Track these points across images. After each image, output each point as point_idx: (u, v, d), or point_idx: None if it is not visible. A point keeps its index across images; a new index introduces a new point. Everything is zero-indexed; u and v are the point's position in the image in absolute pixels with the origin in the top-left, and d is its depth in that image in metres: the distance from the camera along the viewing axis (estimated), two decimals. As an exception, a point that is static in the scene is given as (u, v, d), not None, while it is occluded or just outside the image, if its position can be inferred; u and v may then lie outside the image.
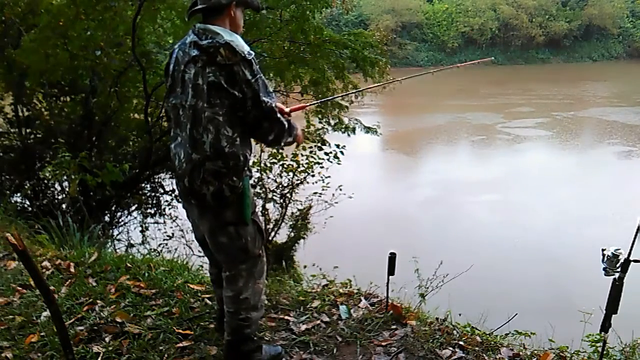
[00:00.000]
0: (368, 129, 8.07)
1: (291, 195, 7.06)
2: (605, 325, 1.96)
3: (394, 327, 2.52)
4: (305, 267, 5.95)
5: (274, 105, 1.93)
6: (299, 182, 7.02)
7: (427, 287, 3.41)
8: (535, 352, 2.40)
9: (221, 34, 1.88)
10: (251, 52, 1.89)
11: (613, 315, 1.94)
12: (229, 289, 2.06)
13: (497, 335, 2.61)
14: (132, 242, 7.11)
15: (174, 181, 7.74)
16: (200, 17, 1.99)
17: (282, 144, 2.05)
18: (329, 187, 6.89)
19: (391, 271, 2.48)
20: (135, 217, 7.58)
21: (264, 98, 1.88)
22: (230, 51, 1.84)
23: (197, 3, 1.99)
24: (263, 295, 2.16)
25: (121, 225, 7.46)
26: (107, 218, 6.93)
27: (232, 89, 1.84)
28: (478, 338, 2.46)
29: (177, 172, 2.00)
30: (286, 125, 1.99)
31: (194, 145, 1.89)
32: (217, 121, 1.85)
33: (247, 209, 1.97)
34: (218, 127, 1.86)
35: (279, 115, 1.95)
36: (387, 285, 2.55)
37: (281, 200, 7.05)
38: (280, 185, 7.04)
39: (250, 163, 2.01)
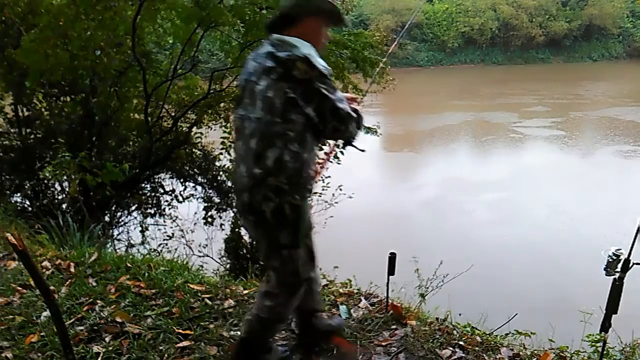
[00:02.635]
0: (368, 130, 8.06)
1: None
2: (605, 325, 1.96)
3: (394, 327, 2.52)
4: (305, 267, 5.94)
5: (348, 108, 1.91)
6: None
7: (427, 287, 3.42)
8: (535, 352, 2.40)
9: (298, 47, 1.84)
10: (328, 67, 1.86)
11: (613, 315, 1.94)
12: (270, 300, 2.02)
13: (497, 335, 2.61)
14: (132, 242, 7.12)
15: (173, 181, 7.82)
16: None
17: (354, 139, 2.06)
18: (329, 187, 6.89)
19: (391, 271, 2.48)
20: (135, 217, 7.58)
21: (339, 105, 1.86)
22: (307, 65, 1.80)
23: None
24: None
25: (121, 225, 7.46)
26: (107, 218, 6.93)
27: (307, 106, 1.81)
28: (478, 338, 2.46)
29: (237, 186, 1.95)
30: (359, 120, 1.99)
31: (257, 160, 1.83)
32: (287, 137, 1.81)
33: (301, 232, 1.92)
34: (286, 143, 1.80)
35: (353, 114, 1.93)
36: (387, 285, 2.55)
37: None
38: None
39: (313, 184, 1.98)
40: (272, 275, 2.03)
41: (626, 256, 1.87)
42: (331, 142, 2.37)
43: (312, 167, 1.92)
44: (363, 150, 2.22)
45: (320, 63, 1.83)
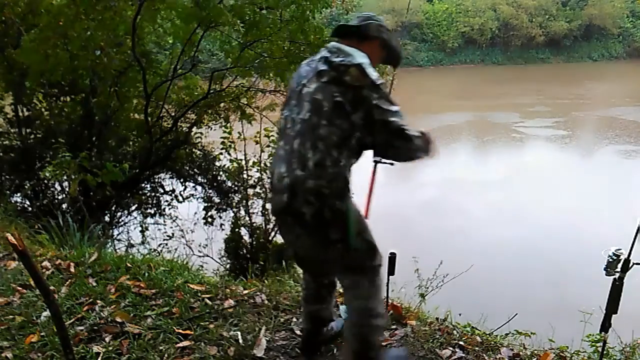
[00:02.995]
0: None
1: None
2: (605, 325, 1.96)
3: (394, 327, 2.52)
4: (305, 267, 5.94)
5: (404, 124, 1.85)
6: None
7: (427, 287, 3.42)
8: (535, 352, 2.40)
9: (354, 56, 1.84)
10: (381, 79, 1.85)
11: (613, 315, 1.94)
12: (354, 300, 1.95)
13: (497, 335, 2.61)
14: (132, 242, 7.12)
15: (173, 181, 7.82)
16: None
17: (419, 159, 1.96)
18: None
19: (391, 271, 2.48)
20: (135, 217, 7.58)
21: (391, 119, 1.81)
22: (360, 72, 1.79)
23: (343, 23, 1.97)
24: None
25: (121, 225, 7.46)
26: (107, 218, 6.94)
27: (353, 113, 1.78)
28: (478, 338, 2.46)
29: (275, 186, 1.90)
30: (419, 141, 1.91)
31: (299, 161, 1.80)
32: (329, 141, 1.78)
33: (351, 231, 1.84)
34: (328, 147, 1.78)
35: (410, 132, 1.86)
36: (387, 285, 2.55)
37: (281, 200, 7.04)
38: (280, 185, 7.03)
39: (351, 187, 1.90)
40: (336, 271, 2.00)
41: (626, 256, 1.87)
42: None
43: (350, 176, 1.86)
44: (392, 164, 2.20)
45: (374, 73, 1.82)
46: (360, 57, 1.84)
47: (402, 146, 1.87)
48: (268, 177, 2.00)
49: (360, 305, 1.94)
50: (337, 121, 1.78)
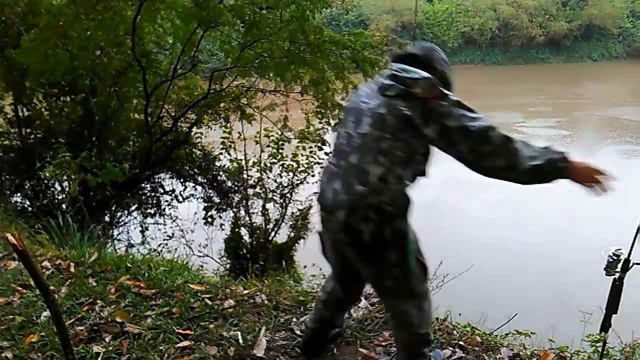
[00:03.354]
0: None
1: (291, 195, 7.06)
2: (605, 325, 1.96)
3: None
4: (305, 267, 5.96)
5: (486, 124, 1.67)
6: (299, 182, 7.02)
7: (427, 287, 3.41)
8: (535, 352, 2.40)
9: (421, 72, 1.76)
10: (450, 93, 1.75)
11: (613, 315, 1.94)
12: (402, 326, 1.92)
13: (497, 335, 2.61)
14: (132, 242, 7.12)
15: (173, 181, 7.82)
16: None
17: (531, 170, 1.64)
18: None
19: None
20: (135, 217, 7.58)
21: (470, 123, 1.67)
22: (430, 85, 1.71)
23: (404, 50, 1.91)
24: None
25: (121, 225, 7.46)
26: (107, 218, 6.94)
27: (425, 127, 1.69)
28: (478, 338, 2.46)
29: (328, 203, 1.80)
30: (530, 150, 1.65)
31: (359, 176, 1.71)
32: (393, 156, 1.70)
33: (410, 254, 1.77)
34: (392, 163, 1.70)
35: (500, 132, 1.66)
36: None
37: (281, 200, 7.05)
38: (280, 185, 7.04)
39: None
40: (388, 299, 1.92)
41: (626, 256, 1.87)
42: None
43: (409, 194, 1.78)
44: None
45: (442, 87, 1.73)
46: (428, 74, 1.77)
47: (494, 151, 1.65)
48: (316, 195, 1.85)
49: (409, 332, 1.90)
50: (403, 136, 1.70)
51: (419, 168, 1.81)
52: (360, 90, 1.94)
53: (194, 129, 7.73)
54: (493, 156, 1.66)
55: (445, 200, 11.49)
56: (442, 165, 2.42)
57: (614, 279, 1.91)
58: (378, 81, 1.85)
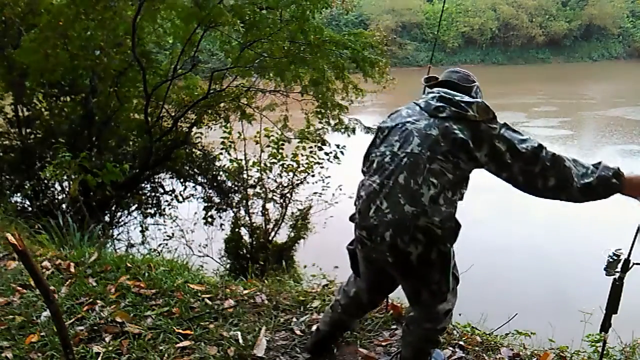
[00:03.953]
0: (368, 129, 8.07)
1: (291, 195, 7.06)
2: (605, 325, 1.96)
3: (394, 327, 2.52)
4: (305, 267, 5.95)
5: (535, 144, 1.69)
6: (299, 182, 7.02)
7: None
8: (535, 352, 2.39)
9: (470, 97, 1.78)
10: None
11: (613, 315, 1.94)
12: (426, 324, 1.92)
13: (497, 335, 2.61)
14: (132, 242, 7.13)
15: (173, 181, 7.82)
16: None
17: (584, 188, 1.68)
18: (329, 187, 6.89)
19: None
20: (135, 217, 7.59)
21: (520, 145, 1.68)
22: (484, 108, 1.71)
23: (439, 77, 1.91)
24: None
25: (121, 225, 7.47)
26: (107, 218, 6.94)
27: (478, 151, 1.69)
28: (478, 338, 2.46)
29: (370, 222, 1.75)
30: (568, 163, 1.69)
31: (408, 196, 1.67)
32: (444, 178, 1.68)
33: (449, 272, 1.80)
34: (443, 185, 1.68)
35: (550, 152, 1.69)
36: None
37: (281, 200, 7.05)
38: (280, 185, 7.04)
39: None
40: (419, 308, 1.92)
41: (626, 256, 1.87)
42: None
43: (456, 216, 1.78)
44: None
45: (492, 112, 1.74)
46: (479, 98, 1.79)
47: (545, 170, 1.68)
48: (354, 212, 1.82)
49: (433, 330, 1.93)
50: (455, 159, 1.69)
51: (462, 192, 1.80)
52: (401, 111, 1.88)
53: (194, 129, 7.74)
54: (544, 176, 1.69)
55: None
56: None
57: (614, 279, 1.91)
58: (423, 103, 1.81)
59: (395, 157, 1.74)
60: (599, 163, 1.71)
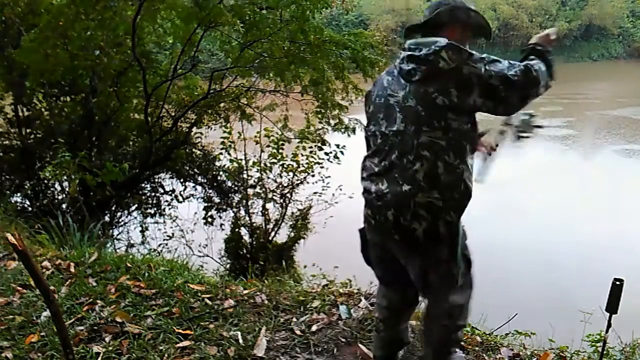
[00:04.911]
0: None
1: (291, 195, 7.07)
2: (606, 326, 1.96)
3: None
4: (305, 267, 5.95)
5: (523, 66, 1.63)
6: (299, 182, 7.02)
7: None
8: (535, 352, 2.39)
9: (438, 40, 1.65)
10: (473, 51, 1.66)
11: (613, 315, 1.94)
12: (440, 317, 1.86)
13: (497, 335, 2.61)
14: (132, 242, 7.13)
15: (173, 181, 7.82)
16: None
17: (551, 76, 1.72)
18: (329, 187, 6.89)
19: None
20: (135, 217, 7.59)
21: (511, 73, 1.61)
22: (453, 51, 1.61)
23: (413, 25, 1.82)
24: None
25: (121, 225, 7.47)
26: (107, 218, 6.94)
27: (468, 97, 1.60)
28: (478, 338, 2.46)
29: (373, 204, 1.75)
30: (548, 68, 1.69)
31: (403, 175, 1.66)
32: (437, 146, 1.63)
33: (458, 249, 1.74)
34: (437, 154, 1.63)
35: (535, 66, 1.65)
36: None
37: (281, 200, 7.05)
38: (280, 185, 7.05)
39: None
40: (431, 293, 1.85)
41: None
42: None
43: (470, 179, 1.72)
44: (540, 127, 1.94)
45: (466, 48, 1.65)
46: (443, 40, 1.65)
47: (542, 86, 1.67)
48: (363, 195, 1.79)
49: (451, 326, 1.87)
50: (441, 123, 1.62)
51: (467, 148, 1.70)
52: (382, 79, 1.81)
53: (194, 129, 7.74)
54: (537, 93, 1.67)
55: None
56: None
57: (614, 278, 1.91)
58: (398, 66, 1.74)
59: (385, 138, 1.73)
60: (549, 63, 1.72)
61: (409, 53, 1.69)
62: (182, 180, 7.79)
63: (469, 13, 1.83)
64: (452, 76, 1.60)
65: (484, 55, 1.65)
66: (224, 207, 7.57)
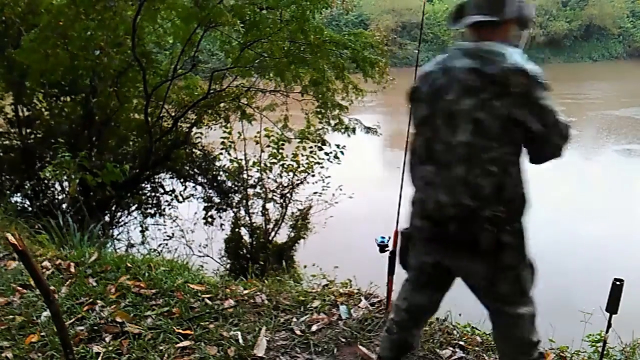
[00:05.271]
0: (368, 129, 8.07)
1: (291, 195, 7.07)
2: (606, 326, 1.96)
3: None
4: (305, 267, 5.96)
5: (565, 119, 1.64)
6: (299, 182, 7.02)
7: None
8: (536, 352, 2.39)
9: (505, 54, 1.58)
10: (540, 70, 1.60)
11: (613, 315, 1.94)
12: (513, 335, 1.77)
13: (497, 336, 2.60)
14: (132, 242, 7.12)
15: (173, 181, 7.82)
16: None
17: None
18: (329, 187, 6.89)
19: (391, 271, 2.47)
20: (135, 217, 7.59)
21: (560, 118, 1.61)
22: (525, 77, 1.56)
23: (463, 15, 1.73)
24: None
25: (121, 225, 7.46)
26: (107, 218, 6.94)
27: (531, 122, 1.58)
28: (478, 338, 2.46)
29: (432, 215, 1.72)
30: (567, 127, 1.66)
31: (468, 189, 1.61)
32: (505, 161, 1.60)
33: (525, 253, 1.72)
34: (505, 168, 1.61)
35: (568, 127, 1.65)
36: (387, 285, 2.55)
37: (281, 200, 7.06)
38: (280, 185, 7.05)
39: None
40: (497, 304, 1.77)
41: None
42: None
43: (528, 189, 1.71)
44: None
45: (537, 70, 1.59)
46: (514, 55, 1.59)
47: (563, 148, 1.67)
48: (412, 204, 1.81)
49: (522, 342, 1.77)
50: (509, 137, 1.60)
51: (521, 155, 1.70)
52: (431, 77, 1.72)
53: (194, 129, 7.74)
54: (559, 153, 1.68)
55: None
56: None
57: (614, 279, 1.91)
58: (459, 74, 1.64)
59: (449, 147, 1.65)
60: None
61: (474, 67, 1.61)
62: (182, 180, 7.79)
63: (523, 7, 1.75)
64: (520, 99, 1.57)
65: (547, 85, 1.62)
66: (224, 207, 7.57)
